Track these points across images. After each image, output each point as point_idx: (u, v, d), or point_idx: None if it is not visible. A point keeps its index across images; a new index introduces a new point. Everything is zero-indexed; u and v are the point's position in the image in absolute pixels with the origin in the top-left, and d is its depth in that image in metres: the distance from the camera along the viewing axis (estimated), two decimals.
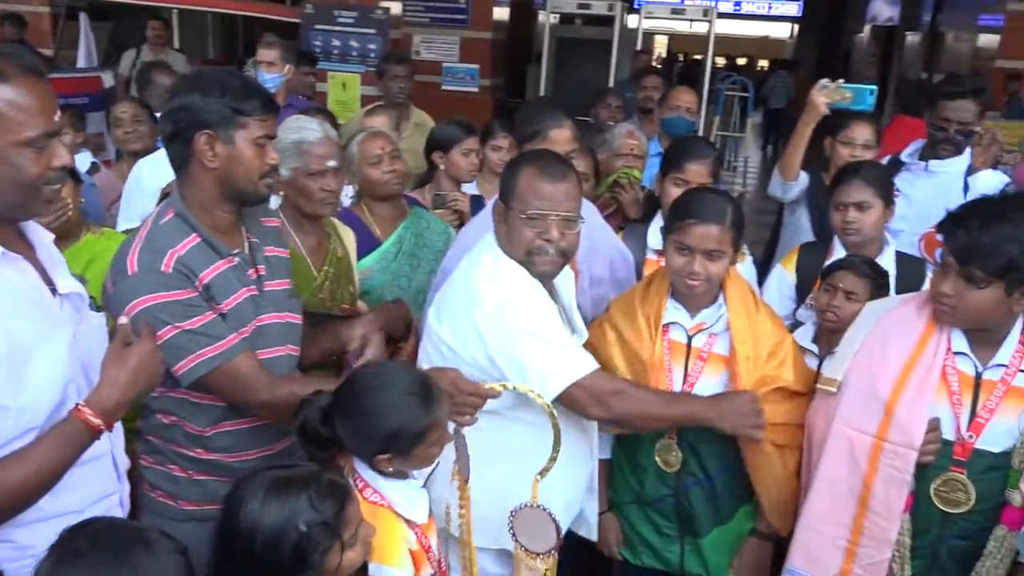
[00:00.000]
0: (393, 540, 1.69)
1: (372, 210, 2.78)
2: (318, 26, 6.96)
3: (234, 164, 1.79)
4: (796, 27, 21.50)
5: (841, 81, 2.99)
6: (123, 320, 1.61)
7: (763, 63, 20.88)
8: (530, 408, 1.89)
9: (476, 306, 1.92)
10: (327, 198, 2.33)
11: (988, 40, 9.71)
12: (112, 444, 1.71)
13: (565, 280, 2.14)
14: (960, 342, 1.89)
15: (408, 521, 1.73)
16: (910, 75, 12.89)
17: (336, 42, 7.06)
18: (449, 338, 1.96)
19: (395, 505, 1.71)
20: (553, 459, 1.82)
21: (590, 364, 1.93)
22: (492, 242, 2.02)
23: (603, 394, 1.92)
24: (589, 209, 2.65)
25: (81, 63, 6.61)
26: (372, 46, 7.10)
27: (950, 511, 1.88)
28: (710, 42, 9.24)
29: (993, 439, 1.85)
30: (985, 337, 1.88)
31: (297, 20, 7.06)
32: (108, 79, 5.59)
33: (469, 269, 2.01)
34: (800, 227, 3.28)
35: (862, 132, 3.18)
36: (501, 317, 1.89)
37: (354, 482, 1.73)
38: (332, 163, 2.32)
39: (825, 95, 2.94)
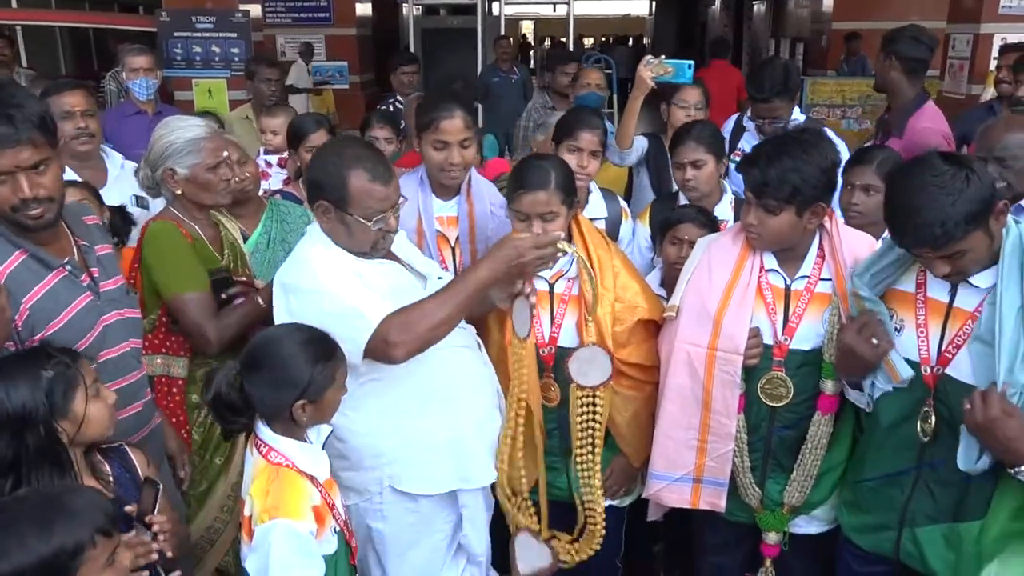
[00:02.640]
0: (295, 496, 1.82)
1: (231, 211, 2.82)
2: (177, 34, 6.84)
3: None
4: (654, 3, 22.27)
5: (663, 57, 3.28)
6: None
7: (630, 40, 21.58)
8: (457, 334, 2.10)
9: (291, 294, 2.07)
10: (225, 187, 2.46)
11: (825, 4, 10.47)
12: None
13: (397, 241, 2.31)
14: (771, 260, 2.20)
15: (312, 479, 1.87)
16: (760, 41, 13.68)
17: (197, 48, 6.96)
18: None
19: (297, 463, 1.85)
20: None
21: (373, 317, 1.97)
22: (319, 236, 2.13)
23: (387, 335, 1.95)
24: (491, 188, 2.84)
25: None
26: (235, 50, 7.04)
27: (775, 405, 2.19)
28: (570, 24, 9.60)
29: (803, 339, 2.16)
30: (790, 254, 2.19)
31: (153, 29, 6.92)
32: None
33: (297, 262, 2.12)
34: (643, 187, 3.61)
35: (692, 95, 3.51)
36: (305, 304, 2.02)
37: (257, 448, 1.86)
38: (225, 153, 2.46)
39: (651, 70, 3.23)
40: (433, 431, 2.14)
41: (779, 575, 2.36)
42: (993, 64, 5.88)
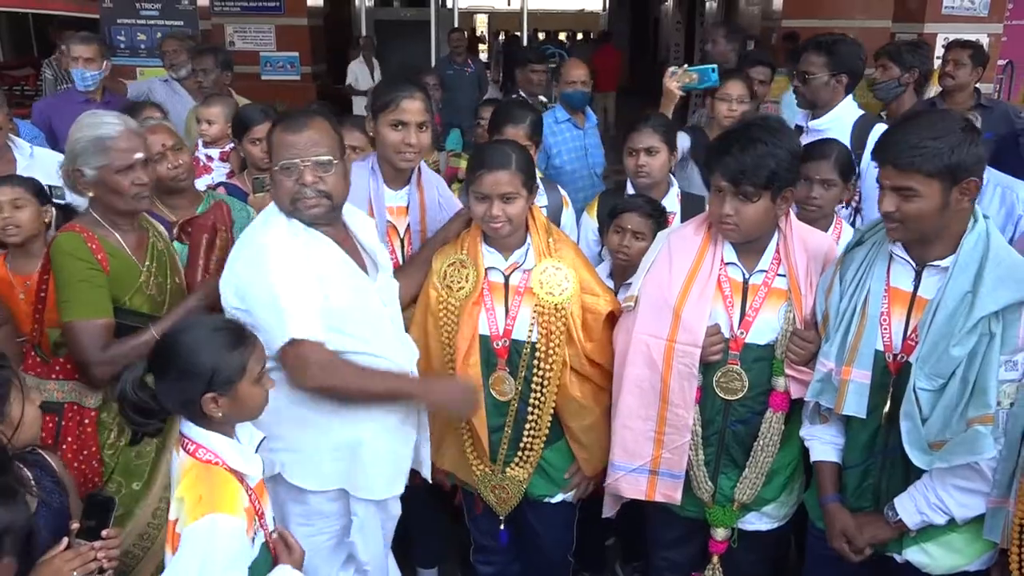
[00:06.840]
0: (226, 491, 1.71)
1: (164, 202, 2.75)
2: (120, 20, 6.65)
3: None
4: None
5: (687, 66, 3.28)
6: None
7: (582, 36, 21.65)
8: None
9: (242, 248, 2.11)
10: (140, 192, 2.23)
11: (776, 3, 10.61)
12: None
13: (362, 222, 2.29)
14: (730, 254, 2.21)
15: (242, 479, 1.76)
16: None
17: (142, 36, 6.78)
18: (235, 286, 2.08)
19: (228, 461, 1.74)
20: None
21: (311, 330, 1.98)
22: (274, 217, 2.13)
23: (308, 362, 1.98)
24: (439, 179, 2.81)
25: None
26: None
27: (729, 399, 2.20)
28: (524, 18, 9.59)
29: (759, 333, 2.17)
30: (750, 248, 2.20)
31: (95, 16, 6.72)
32: None
33: (251, 246, 2.11)
34: (692, 181, 3.53)
35: (735, 88, 3.53)
36: (256, 259, 2.04)
37: (183, 447, 1.76)
38: (139, 155, 2.22)
39: (676, 80, 3.24)
40: (330, 430, 2.11)
41: (728, 572, 2.37)
42: (937, 63, 6.02)
